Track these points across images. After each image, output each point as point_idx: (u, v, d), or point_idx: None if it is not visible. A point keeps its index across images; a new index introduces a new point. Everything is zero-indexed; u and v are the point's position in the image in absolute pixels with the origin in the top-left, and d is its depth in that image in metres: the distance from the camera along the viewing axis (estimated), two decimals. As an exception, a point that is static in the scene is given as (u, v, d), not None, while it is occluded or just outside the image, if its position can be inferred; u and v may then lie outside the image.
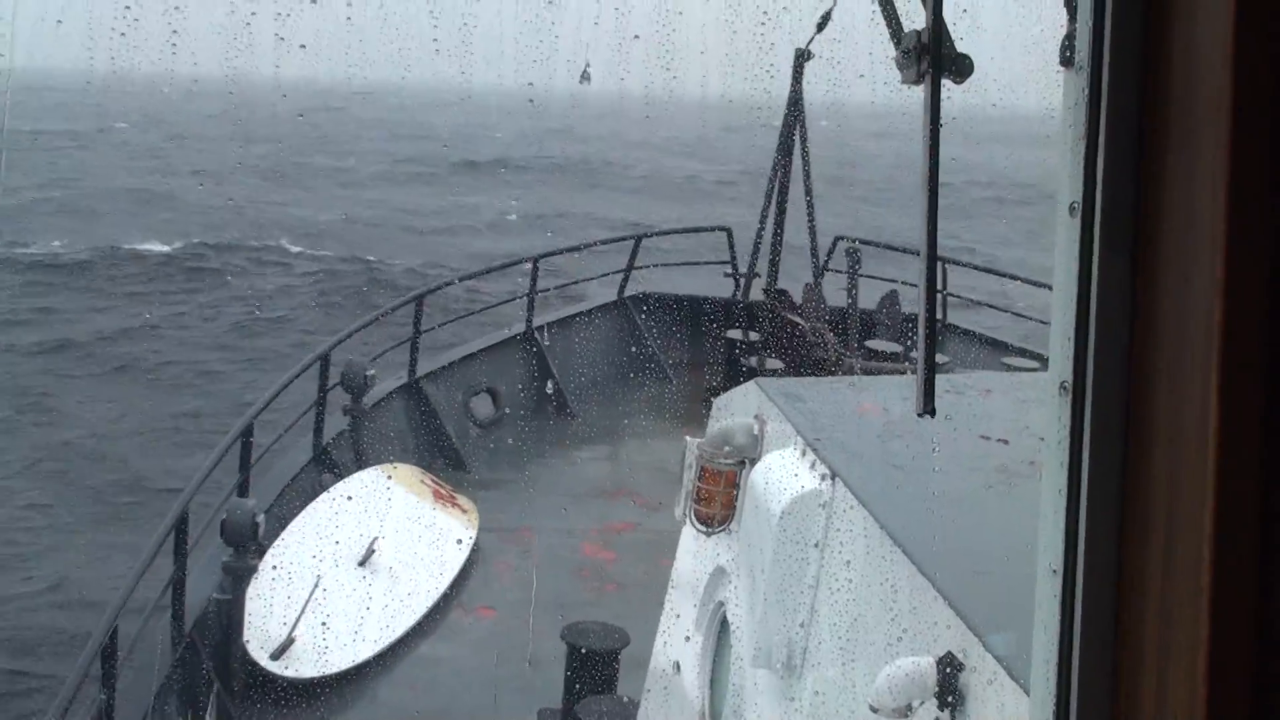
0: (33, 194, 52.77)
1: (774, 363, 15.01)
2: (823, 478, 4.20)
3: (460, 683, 8.98)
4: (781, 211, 15.54)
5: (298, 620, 9.03)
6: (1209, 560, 1.26)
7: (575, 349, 15.60)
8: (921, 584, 3.29)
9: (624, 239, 17.60)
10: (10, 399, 23.08)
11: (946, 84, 1.76)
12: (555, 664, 8.00)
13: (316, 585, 9.40)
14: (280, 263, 40.25)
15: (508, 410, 14.39)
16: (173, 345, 27.82)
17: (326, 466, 11.63)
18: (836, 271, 16.48)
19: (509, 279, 17.48)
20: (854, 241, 16.43)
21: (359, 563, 9.89)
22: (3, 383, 24.19)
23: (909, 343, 15.43)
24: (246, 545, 8.74)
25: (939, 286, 16.09)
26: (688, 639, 5.37)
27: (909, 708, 3.12)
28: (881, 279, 16.53)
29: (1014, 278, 16.35)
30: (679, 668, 5.41)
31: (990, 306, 16.95)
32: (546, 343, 15.21)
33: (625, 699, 7.32)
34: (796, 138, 15.38)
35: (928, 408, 1.83)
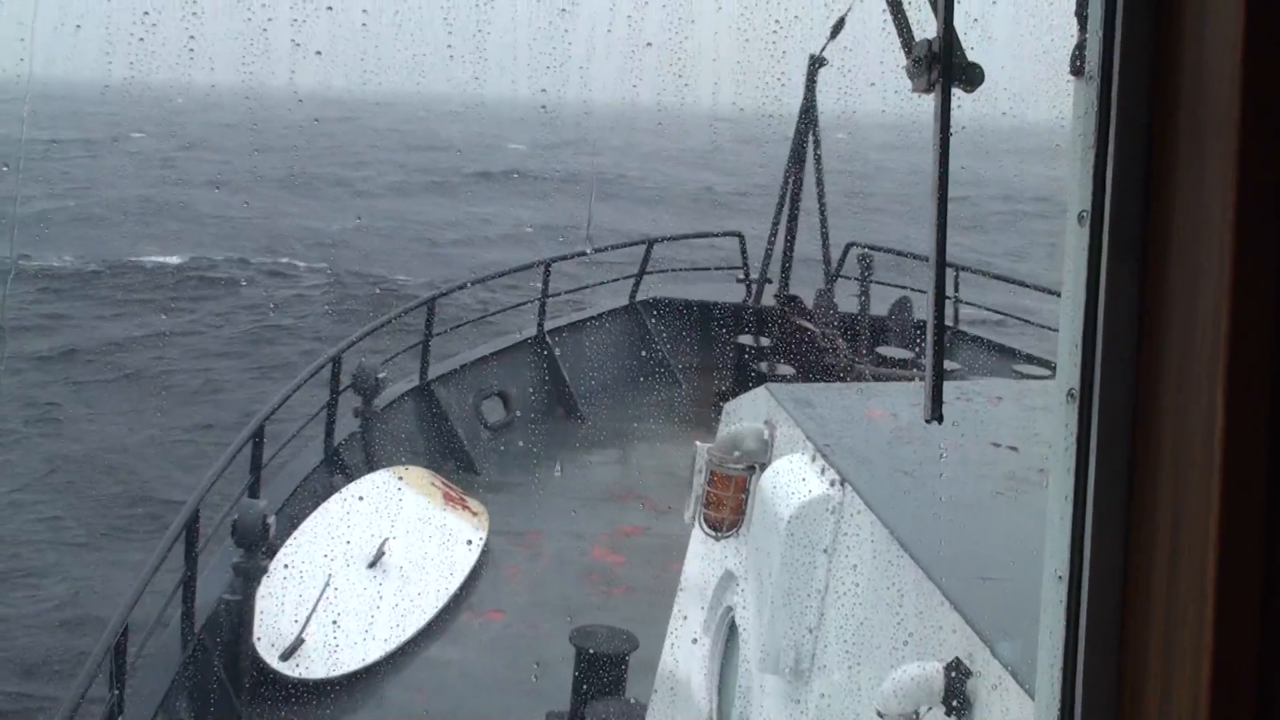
0: (45, 203, 52.89)
1: (785, 368, 15.01)
2: (832, 483, 4.21)
3: (469, 685, 9.00)
4: (794, 217, 15.55)
5: (307, 621, 9.06)
6: (1214, 567, 1.27)
7: (586, 353, 15.62)
8: (929, 590, 3.30)
9: (636, 243, 17.61)
10: (19, 409, 23.04)
11: (957, 93, 1.77)
12: (564, 667, 8.01)
13: (326, 586, 9.42)
14: (292, 274, 40.23)
15: (518, 413, 14.41)
16: (183, 355, 27.77)
17: (337, 468, 11.65)
18: (848, 278, 16.49)
19: (521, 290, 17.47)
20: (866, 248, 16.45)
21: (369, 564, 9.91)
22: (12, 392, 24.13)
23: (920, 349, 15.42)
24: (257, 546, 8.76)
25: (950, 294, 16.09)
26: (695, 642, 5.38)
27: (916, 713, 3.12)
28: (893, 285, 16.55)
29: (1021, 284, 16.34)
30: (687, 671, 5.42)
31: (999, 313, 16.91)
32: (558, 347, 15.23)
33: (634, 701, 7.33)
34: (810, 143, 15.40)
35: (935, 414, 1.84)
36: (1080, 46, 1.47)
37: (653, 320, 16.77)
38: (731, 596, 5.03)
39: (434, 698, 8.91)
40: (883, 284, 16.35)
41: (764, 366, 14.94)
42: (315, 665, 8.84)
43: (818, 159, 15.47)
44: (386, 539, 10.14)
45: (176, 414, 23.30)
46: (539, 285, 15.45)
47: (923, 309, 15.96)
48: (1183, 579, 1.31)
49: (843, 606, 4.01)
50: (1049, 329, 15.69)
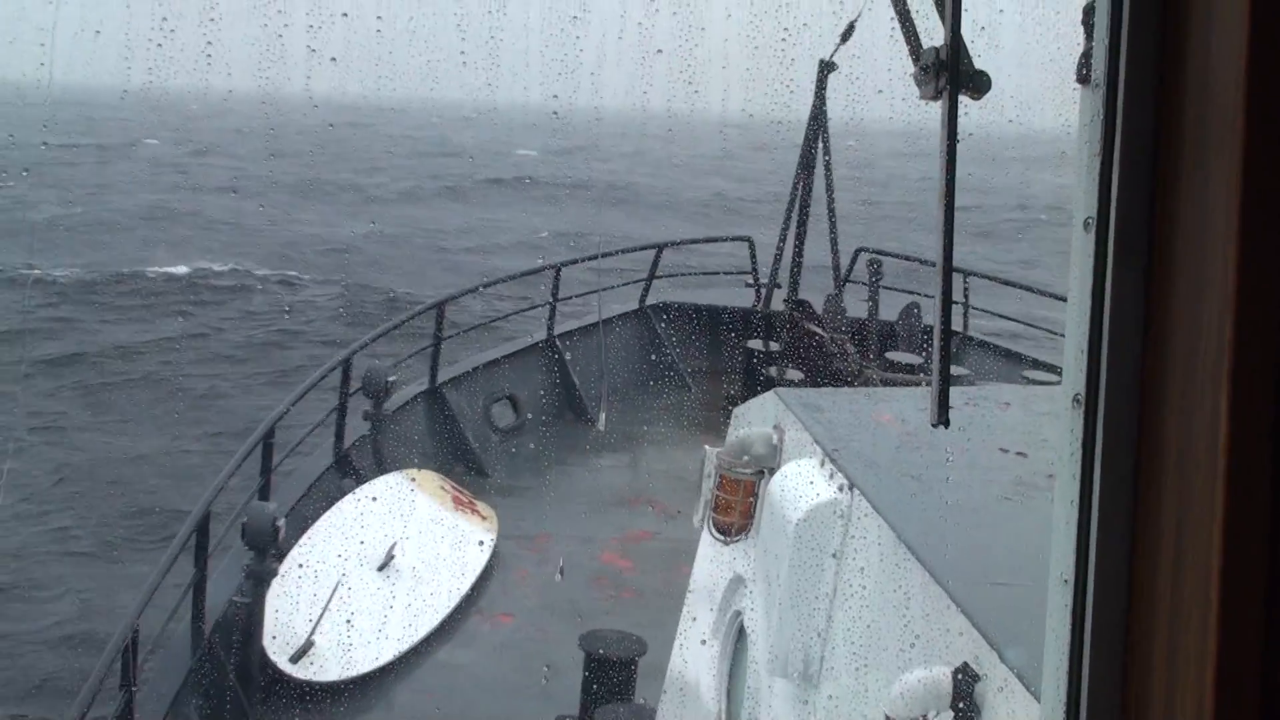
0: (56, 209, 52.98)
1: (794, 373, 15.01)
2: (840, 488, 4.22)
3: (478, 688, 9.01)
4: (803, 222, 15.55)
5: (317, 624, 9.08)
6: (1218, 571, 1.28)
7: (596, 356, 15.63)
8: (937, 594, 3.31)
9: (646, 248, 17.63)
10: (25, 418, 23.01)
11: (964, 100, 1.78)
12: (573, 671, 8.03)
13: (336, 589, 9.44)
14: (301, 280, 40.23)
15: (529, 416, 14.44)
16: (191, 361, 27.72)
17: (347, 472, 11.67)
18: (858, 283, 16.50)
19: (533, 295, 17.45)
20: (875, 253, 16.46)
21: (378, 567, 9.93)
22: (19, 400, 24.10)
23: (928, 355, 15.40)
24: (267, 548, 8.78)
25: (960, 299, 16.10)
26: (704, 645, 5.39)
27: (924, 717, 3.13)
28: (902, 291, 16.55)
29: (1028, 289, 16.33)
30: (696, 675, 5.43)
31: (1007, 319, 16.89)
32: (567, 351, 15.25)
33: (643, 703, 7.35)
34: (819, 149, 15.40)
35: (942, 419, 1.85)
36: (1086, 54, 1.48)
37: (662, 324, 16.78)
38: (740, 600, 5.04)
39: (443, 700, 8.93)
40: (892, 289, 16.35)
41: (773, 371, 14.94)
42: (325, 668, 8.86)
43: (827, 164, 15.47)
44: (396, 542, 10.16)
45: (184, 421, 23.26)
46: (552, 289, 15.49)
47: (931, 314, 15.95)
48: (1187, 583, 1.32)
49: (851, 610, 4.03)
50: (1058, 334, 15.70)
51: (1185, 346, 1.34)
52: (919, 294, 16.35)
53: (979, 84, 1.77)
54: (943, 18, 1.76)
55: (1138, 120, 1.41)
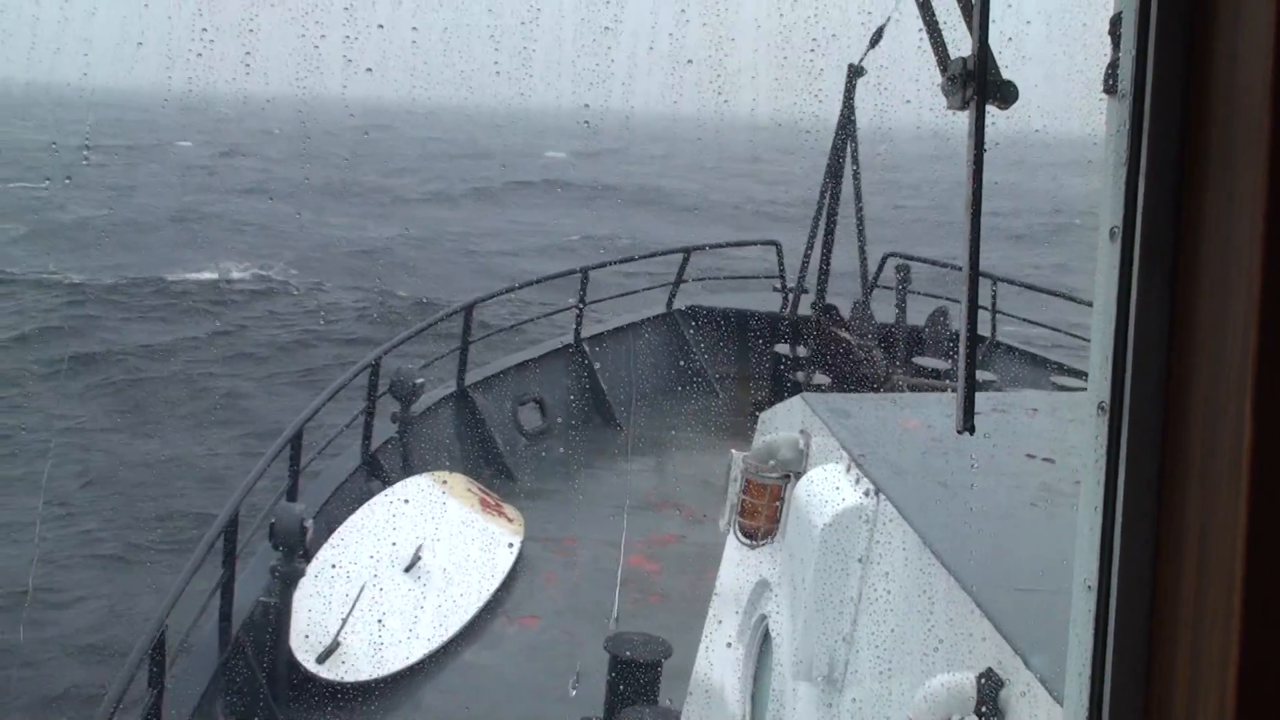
0: (86, 210, 53.27)
1: (821, 378, 15.00)
2: (866, 493, 4.23)
3: (503, 690, 9.04)
4: (831, 227, 15.55)
5: (343, 625, 9.12)
6: (1241, 578, 1.29)
7: (623, 360, 15.65)
8: (963, 600, 3.31)
9: (673, 252, 17.64)
10: (49, 420, 23.07)
11: (991, 110, 1.79)
12: (598, 674, 8.05)
13: (363, 591, 9.48)
14: (328, 280, 40.31)
15: (559, 420, 14.47)
16: (218, 365, 27.79)
17: (374, 473, 11.71)
18: (886, 288, 16.49)
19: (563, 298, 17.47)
20: (903, 259, 16.44)
21: (405, 569, 9.97)
22: (44, 403, 24.17)
23: (956, 360, 15.35)
24: (295, 549, 8.82)
25: (989, 305, 16.08)
26: (729, 649, 5.40)
27: None
28: (930, 296, 16.52)
29: (1052, 294, 16.28)
30: (721, 678, 5.44)
31: (1035, 324, 16.82)
32: (595, 355, 15.27)
33: (668, 704, 7.36)
34: (848, 154, 15.40)
35: (967, 425, 1.86)
36: (1113, 65, 1.49)
37: (690, 329, 16.79)
38: (766, 604, 5.05)
39: (469, 702, 8.95)
40: (920, 294, 16.33)
41: (800, 376, 14.93)
42: (352, 668, 8.90)
43: (855, 169, 15.46)
44: (423, 544, 10.19)
45: (211, 423, 23.30)
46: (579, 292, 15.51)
47: (959, 320, 15.91)
48: (1210, 590, 1.33)
49: (876, 615, 4.03)
50: (1087, 340, 15.60)
51: (1210, 355, 1.35)
52: (947, 299, 16.32)
53: (1006, 94, 1.78)
54: (970, 28, 1.77)
55: (1164, 130, 1.42)
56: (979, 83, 1.76)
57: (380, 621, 9.33)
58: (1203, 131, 1.39)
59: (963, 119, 1.80)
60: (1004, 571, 3.47)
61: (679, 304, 16.96)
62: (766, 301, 17.18)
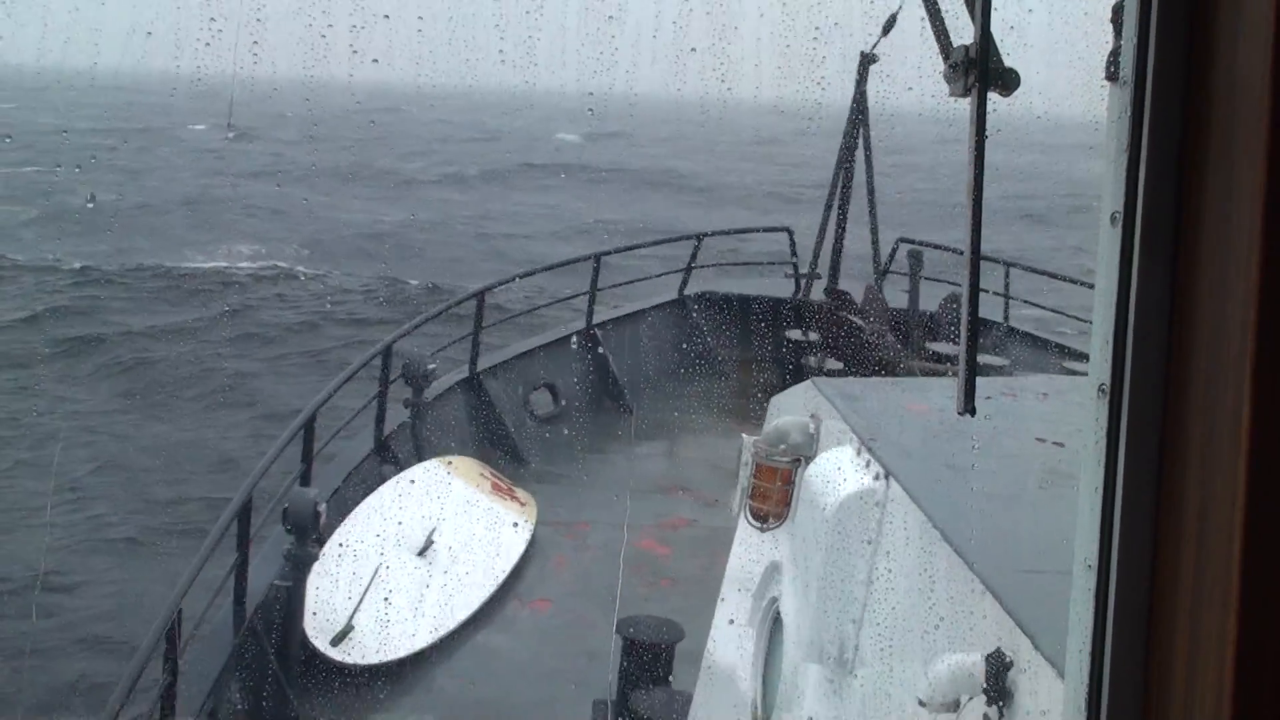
0: (101, 195, 53.27)
1: (834, 363, 15.02)
2: (876, 477, 4.25)
3: (516, 673, 9.08)
4: (843, 212, 15.55)
5: (357, 608, 9.17)
6: (1239, 557, 1.31)
7: (634, 346, 15.67)
8: (971, 581, 3.33)
9: (685, 238, 17.65)
10: (55, 404, 23.03)
11: (995, 97, 1.81)
12: (610, 657, 8.08)
13: (376, 574, 9.52)
14: (340, 266, 40.22)
15: (565, 403, 14.50)
16: (226, 349, 27.65)
17: (387, 458, 11.75)
18: (898, 274, 16.48)
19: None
20: (915, 244, 16.43)
21: (418, 553, 10.01)
22: (53, 389, 24.13)
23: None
24: (308, 533, 8.87)
25: (1000, 290, 16.06)
26: (740, 632, 5.43)
27: (957, 702, 3.16)
28: (943, 282, 16.50)
29: (1061, 278, 16.23)
30: (732, 661, 5.47)
31: (1044, 309, 16.77)
32: (606, 340, 15.29)
33: (679, 690, 7.39)
34: (859, 139, 15.41)
35: (968, 407, 1.88)
36: (1115, 53, 1.51)
37: (701, 314, 16.80)
38: (776, 587, 5.08)
39: (481, 685, 9.00)
40: (933, 280, 16.32)
41: (812, 361, 14.95)
42: (365, 651, 8.95)
43: (867, 155, 15.48)
44: (436, 528, 10.23)
45: (221, 405, 23.26)
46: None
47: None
48: (1209, 568, 1.36)
49: (886, 597, 4.06)
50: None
51: (1209, 338, 1.38)
52: (960, 285, 16.26)
53: (1008, 81, 1.80)
54: (972, 16, 1.79)
55: (1165, 117, 1.44)
56: (980, 70, 1.78)
57: (393, 605, 9.38)
58: (1203, 118, 1.41)
59: (967, 105, 1.82)
60: (1012, 553, 3.50)
61: (691, 290, 16.96)
62: (778, 287, 17.19)
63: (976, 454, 4.36)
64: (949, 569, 3.51)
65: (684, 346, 16.36)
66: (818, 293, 16.14)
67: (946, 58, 1.85)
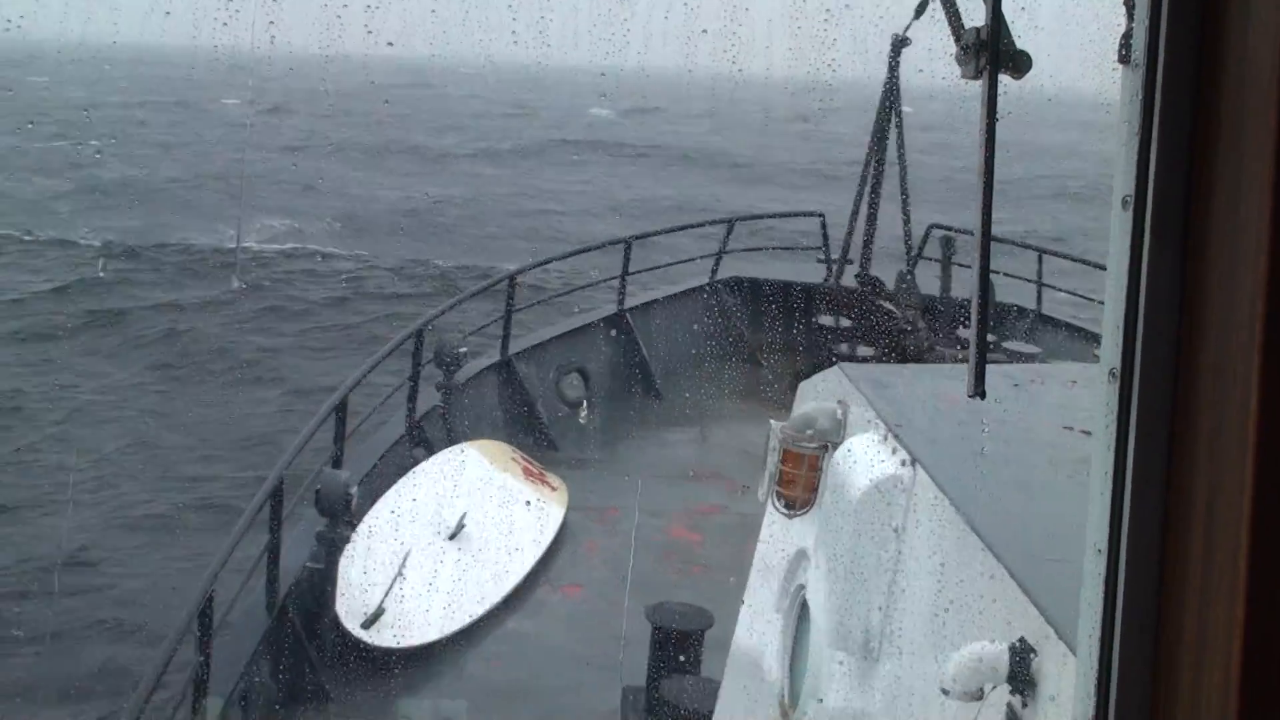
0: (128, 169, 53.50)
1: (865, 349, 14.99)
2: (903, 463, 4.24)
3: (546, 658, 9.10)
4: (875, 198, 15.51)
5: (388, 591, 9.21)
6: (1247, 541, 1.30)
7: (665, 331, 15.66)
8: (996, 569, 3.32)
9: (716, 222, 17.63)
10: (86, 379, 23.09)
11: (1005, 79, 1.80)
12: (640, 643, 8.09)
13: (407, 557, 9.56)
14: (374, 246, 40.17)
15: (599, 389, 14.51)
16: (258, 331, 27.67)
17: (418, 441, 11.79)
18: (930, 259, 16.42)
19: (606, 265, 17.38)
20: (948, 230, 16.36)
21: (449, 537, 10.05)
22: (78, 364, 24.15)
23: (1001, 332, 15.35)
24: (340, 516, 8.92)
25: (1033, 278, 16.00)
26: (768, 620, 5.42)
27: (980, 692, 3.15)
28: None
29: (1089, 264, 16.11)
30: (759, 649, 5.47)
31: (1075, 295, 16.65)
32: (637, 324, 15.29)
33: (708, 677, 7.39)
34: (891, 123, 15.36)
35: (978, 390, 1.88)
36: (1127, 35, 1.50)
37: (733, 299, 16.78)
38: (803, 574, 5.07)
39: (511, 670, 9.03)
40: (965, 266, 16.25)
41: (844, 348, 14.93)
42: (396, 634, 8.99)
43: (900, 140, 15.43)
44: (466, 512, 10.27)
45: (250, 382, 23.29)
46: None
47: (1006, 292, 15.89)
48: (1217, 553, 1.35)
49: (912, 585, 4.05)
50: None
51: (1219, 322, 1.37)
52: (992, 271, 16.17)
53: (1019, 63, 1.79)
54: None
55: (1176, 100, 1.43)
56: (992, 52, 1.77)
57: (424, 588, 9.41)
58: (1215, 101, 1.40)
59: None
60: (1038, 542, 3.48)
61: (722, 274, 16.94)
62: (810, 272, 17.15)
63: (1008, 441, 4.34)
64: (974, 556, 3.50)
65: (715, 332, 16.34)
66: (849, 278, 16.11)
67: (958, 40, 1.84)
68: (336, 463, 9.83)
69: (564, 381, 14.26)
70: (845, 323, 15.58)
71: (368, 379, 10.59)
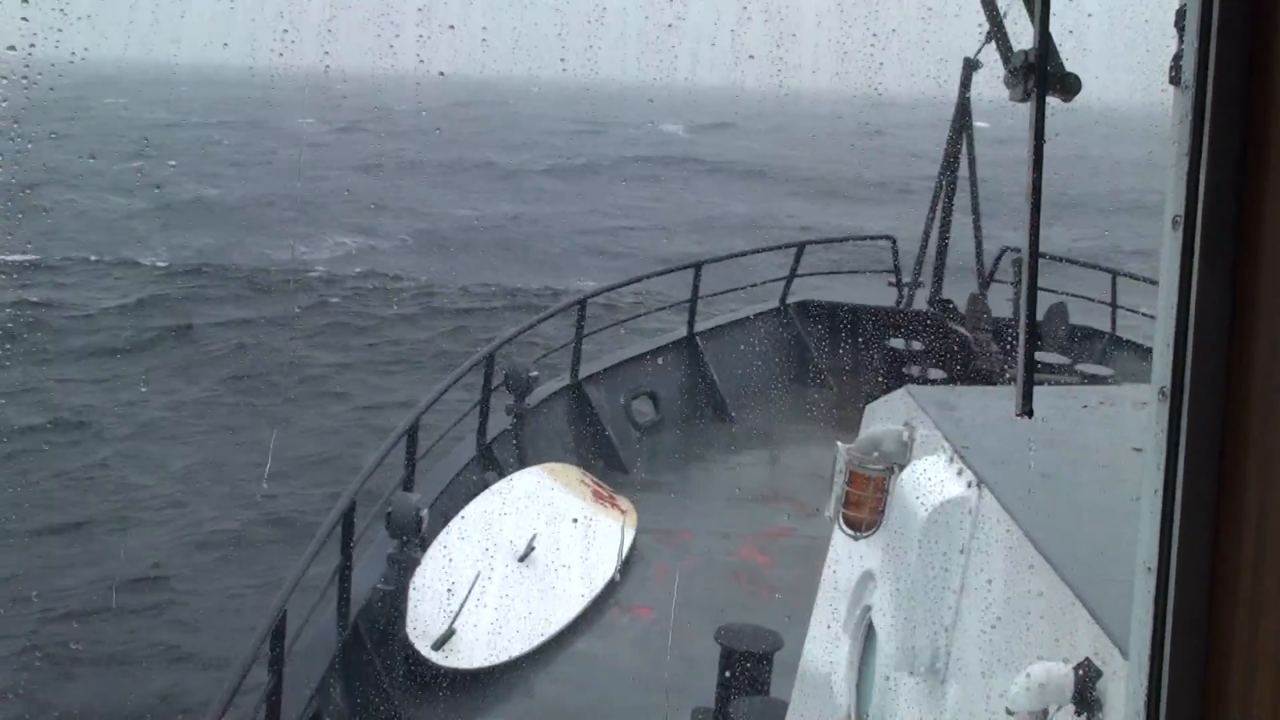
0: (204, 189, 54.17)
1: (936, 372, 14.91)
2: (969, 485, 4.23)
3: (615, 680, 9.11)
4: (947, 221, 15.45)
5: (459, 613, 9.26)
6: None
7: (735, 354, 15.66)
8: (1062, 590, 3.31)
9: (787, 246, 17.60)
10: (153, 396, 23.40)
11: (1055, 101, 1.82)
12: (709, 664, 8.09)
13: (477, 579, 9.62)
14: (442, 261, 40.24)
15: (670, 413, 14.52)
16: (325, 346, 27.95)
17: (489, 464, 11.86)
18: (1001, 282, 16.31)
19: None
20: (1020, 252, 16.25)
21: (519, 559, 10.09)
22: (150, 381, 24.42)
23: (1075, 355, 15.23)
24: (410, 538, 8.98)
25: (1106, 300, 15.86)
26: (835, 642, 5.42)
27: (1045, 713, 3.14)
28: (1048, 290, 16.29)
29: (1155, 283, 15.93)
30: (827, 670, 5.46)
31: (1151, 316, 16.44)
32: (707, 348, 15.30)
33: (777, 699, 7.37)
34: (964, 146, 15.31)
35: (1026, 409, 1.89)
36: (1178, 57, 1.52)
37: (804, 323, 16.75)
38: (870, 596, 5.07)
39: (581, 691, 9.04)
40: (1039, 290, 16.11)
41: (915, 370, 14.86)
42: (466, 655, 9.03)
43: (972, 162, 15.38)
44: (536, 534, 10.31)
45: (319, 399, 23.49)
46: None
47: (1081, 315, 15.75)
48: (1268, 573, 1.36)
49: (978, 606, 4.03)
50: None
51: (1269, 342, 1.38)
52: (1065, 295, 16.08)
53: (1068, 85, 1.80)
54: (1032, 20, 1.79)
55: (1225, 122, 1.44)
56: (1040, 75, 1.78)
57: (495, 610, 9.46)
58: (1264, 123, 1.41)
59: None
60: (1104, 563, 3.46)
61: (792, 298, 16.91)
62: (881, 295, 17.09)
63: (1075, 463, 4.32)
64: (1039, 577, 3.49)
65: (786, 355, 16.32)
66: (921, 301, 16.04)
67: (1006, 63, 1.86)
68: (408, 485, 9.90)
69: (634, 405, 14.29)
70: (917, 346, 15.51)
71: (439, 401, 10.67)
